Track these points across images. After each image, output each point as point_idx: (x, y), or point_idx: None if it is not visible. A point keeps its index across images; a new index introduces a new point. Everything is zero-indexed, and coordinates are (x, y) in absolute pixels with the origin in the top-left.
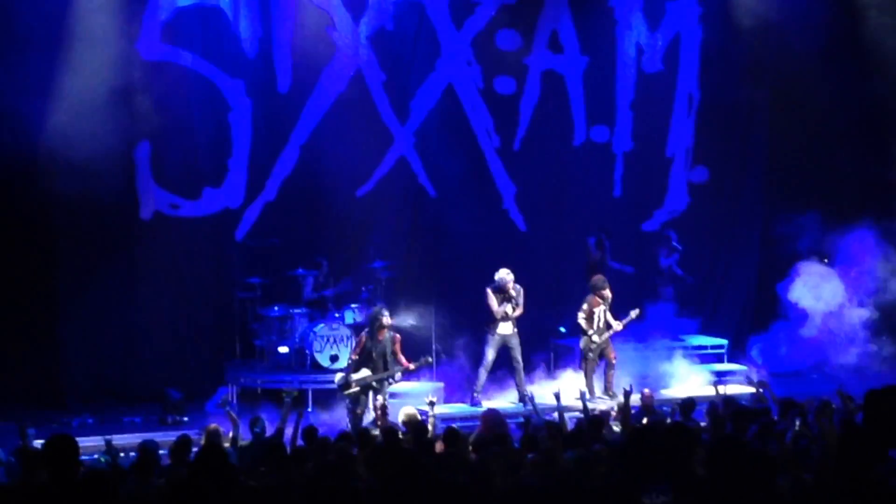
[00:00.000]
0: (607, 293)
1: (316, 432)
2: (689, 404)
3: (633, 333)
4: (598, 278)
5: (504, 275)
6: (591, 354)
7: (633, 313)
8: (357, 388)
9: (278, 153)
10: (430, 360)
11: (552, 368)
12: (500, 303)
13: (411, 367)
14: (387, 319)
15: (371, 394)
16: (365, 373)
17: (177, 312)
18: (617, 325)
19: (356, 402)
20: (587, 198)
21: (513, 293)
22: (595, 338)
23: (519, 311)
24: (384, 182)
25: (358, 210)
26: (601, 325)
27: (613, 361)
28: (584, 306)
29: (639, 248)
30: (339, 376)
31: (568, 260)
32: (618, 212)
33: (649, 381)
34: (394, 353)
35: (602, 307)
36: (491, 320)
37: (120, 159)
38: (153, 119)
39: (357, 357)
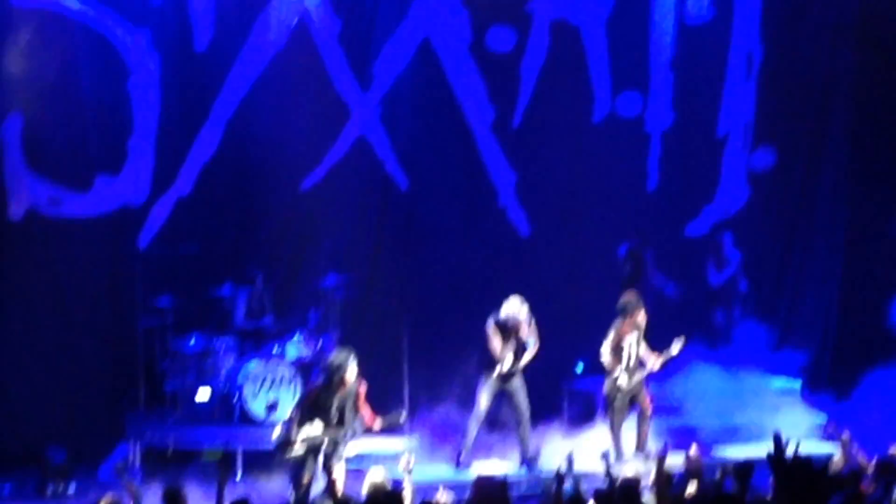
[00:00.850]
0: (641, 318)
1: None
2: (745, 468)
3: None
4: (629, 296)
5: (515, 310)
6: (617, 402)
7: (676, 346)
8: (303, 449)
9: (196, 132)
10: (403, 415)
11: (566, 420)
12: (507, 342)
13: (377, 425)
14: (352, 373)
15: (322, 456)
16: (315, 428)
17: (59, 346)
18: (653, 362)
19: (301, 467)
20: (612, 191)
21: (525, 335)
22: (622, 380)
23: (531, 354)
24: (339, 170)
25: (304, 208)
26: (632, 362)
27: (648, 411)
28: (611, 335)
29: (683, 258)
30: (278, 432)
31: (586, 274)
32: (654, 210)
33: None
34: (355, 406)
35: (635, 335)
36: (487, 360)
37: None
38: (26, 85)
39: (303, 410)
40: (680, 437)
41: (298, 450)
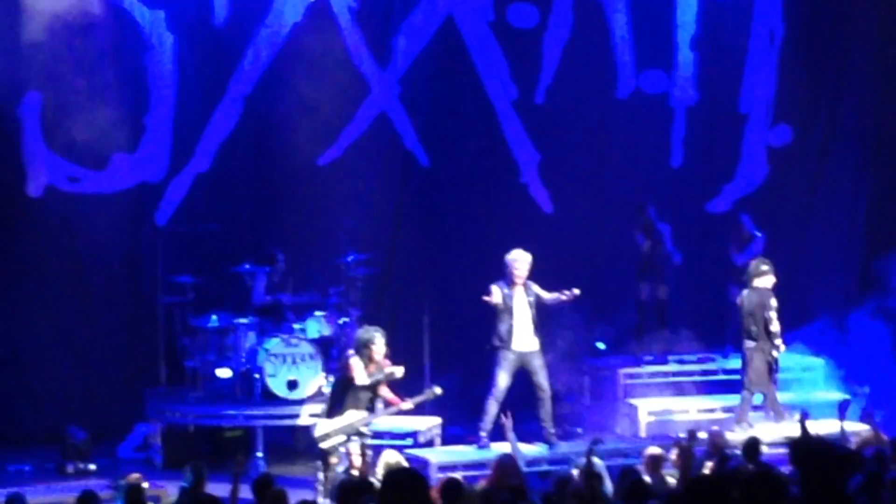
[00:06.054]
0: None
1: (271, 483)
2: (752, 446)
3: None
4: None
5: (515, 255)
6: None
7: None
8: (340, 439)
9: (213, 107)
10: (437, 391)
11: (588, 398)
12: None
13: (408, 405)
14: (379, 349)
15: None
16: (353, 416)
17: (78, 323)
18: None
19: (331, 452)
20: (636, 168)
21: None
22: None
23: (550, 297)
24: (358, 147)
25: (323, 184)
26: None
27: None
28: (773, 302)
29: (704, 235)
30: (318, 426)
31: (609, 252)
32: (677, 187)
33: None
34: (377, 386)
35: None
36: (500, 331)
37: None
38: (44, 62)
39: (337, 393)
40: None
41: (336, 439)
